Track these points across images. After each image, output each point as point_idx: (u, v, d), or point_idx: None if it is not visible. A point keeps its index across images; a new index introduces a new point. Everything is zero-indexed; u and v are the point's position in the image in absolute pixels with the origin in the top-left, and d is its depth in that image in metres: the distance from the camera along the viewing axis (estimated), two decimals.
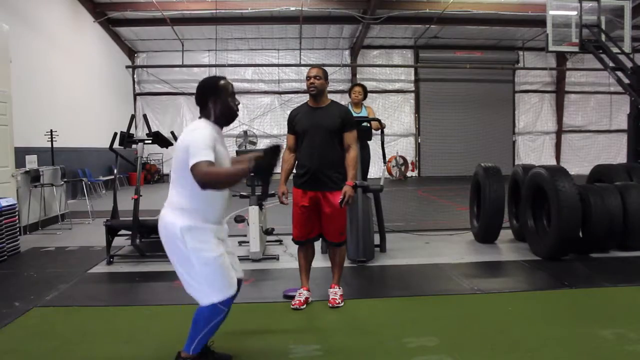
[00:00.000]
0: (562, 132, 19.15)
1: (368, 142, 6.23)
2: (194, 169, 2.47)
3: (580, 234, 5.37)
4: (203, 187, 2.50)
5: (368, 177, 6.35)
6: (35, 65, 10.10)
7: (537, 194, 5.64)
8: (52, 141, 9.27)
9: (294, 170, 4.07)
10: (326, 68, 4.25)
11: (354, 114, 5.88)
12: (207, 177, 2.46)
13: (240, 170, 2.52)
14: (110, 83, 15.65)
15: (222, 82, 2.81)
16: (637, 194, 5.56)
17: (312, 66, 4.15)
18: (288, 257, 5.62)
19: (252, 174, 2.51)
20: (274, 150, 2.49)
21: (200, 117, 2.79)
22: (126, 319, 3.82)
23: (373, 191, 5.67)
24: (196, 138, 2.56)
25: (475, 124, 18.25)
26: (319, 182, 3.89)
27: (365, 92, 6.42)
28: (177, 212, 2.66)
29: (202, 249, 2.62)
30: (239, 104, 2.88)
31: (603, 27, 8.59)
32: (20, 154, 7.51)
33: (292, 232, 4.11)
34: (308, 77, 3.95)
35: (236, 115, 2.86)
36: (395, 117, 18.32)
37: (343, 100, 6.19)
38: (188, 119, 17.37)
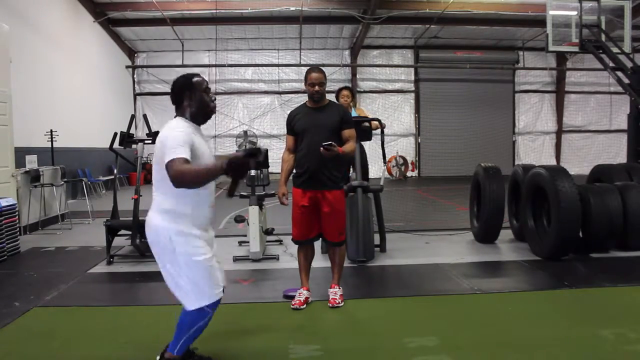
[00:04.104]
0: (562, 132, 19.15)
1: (367, 142, 6.19)
2: (168, 166, 2.43)
3: (580, 234, 5.38)
4: (177, 184, 2.43)
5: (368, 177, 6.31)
6: (35, 65, 10.09)
7: (537, 194, 5.63)
8: (52, 141, 9.27)
9: (294, 171, 4.07)
10: (326, 68, 4.24)
11: None
12: (179, 174, 2.40)
13: (212, 167, 2.41)
14: (110, 83, 15.64)
15: (195, 79, 2.79)
16: (637, 194, 5.56)
17: (312, 68, 4.01)
18: (288, 257, 5.62)
19: (226, 173, 2.39)
20: (252, 152, 2.41)
21: (175, 116, 2.76)
22: (126, 319, 3.82)
23: (373, 191, 5.67)
24: (171, 136, 2.54)
25: (475, 124, 18.24)
26: (318, 182, 3.89)
27: (353, 95, 6.23)
28: (165, 215, 2.61)
29: (191, 253, 2.60)
30: (214, 99, 2.85)
31: (603, 27, 8.60)
32: (20, 154, 7.50)
33: (291, 232, 4.11)
34: (312, 84, 3.90)
35: (212, 111, 2.83)
36: (395, 117, 18.31)
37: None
38: None
